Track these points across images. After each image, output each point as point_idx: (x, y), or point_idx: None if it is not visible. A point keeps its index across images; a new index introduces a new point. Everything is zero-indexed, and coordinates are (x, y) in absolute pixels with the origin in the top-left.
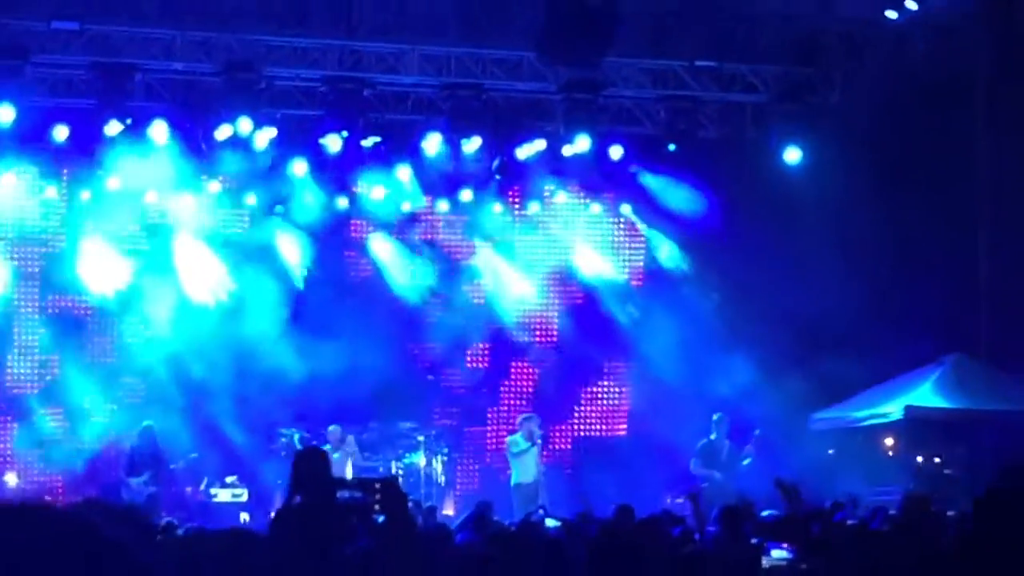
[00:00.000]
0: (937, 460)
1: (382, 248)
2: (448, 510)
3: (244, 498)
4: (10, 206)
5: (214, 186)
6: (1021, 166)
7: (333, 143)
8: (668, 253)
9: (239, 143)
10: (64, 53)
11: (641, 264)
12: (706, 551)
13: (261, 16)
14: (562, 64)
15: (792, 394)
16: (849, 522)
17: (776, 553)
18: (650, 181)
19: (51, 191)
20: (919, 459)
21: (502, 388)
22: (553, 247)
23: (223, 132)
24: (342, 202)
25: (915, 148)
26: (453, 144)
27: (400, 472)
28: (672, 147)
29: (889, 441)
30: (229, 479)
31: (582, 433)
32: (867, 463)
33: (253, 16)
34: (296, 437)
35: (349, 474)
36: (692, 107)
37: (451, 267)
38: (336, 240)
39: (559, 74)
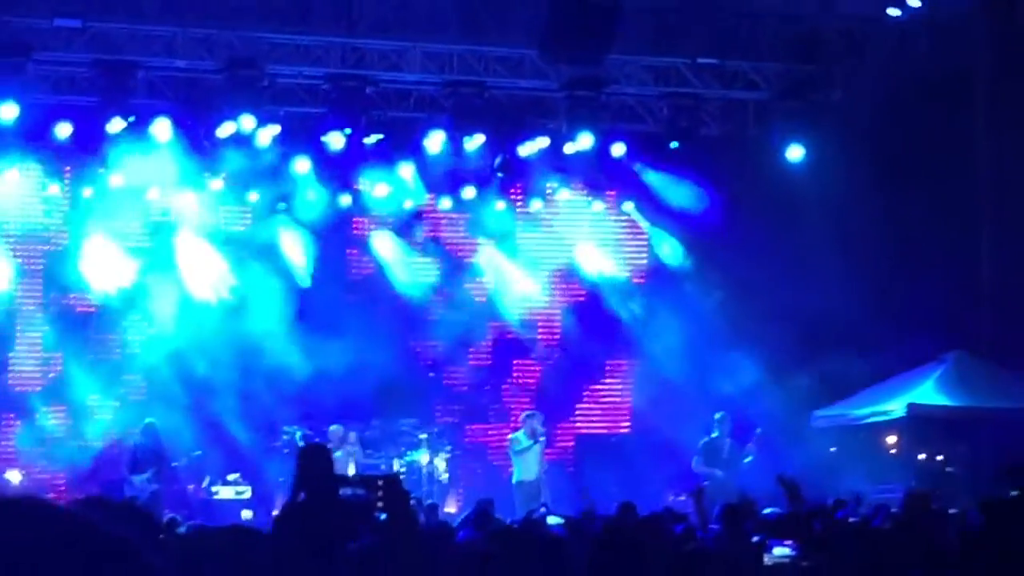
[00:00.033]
0: (939, 458)
1: (384, 246)
2: (450, 508)
3: (247, 495)
4: (13, 203)
5: (216, 184)
6: (1022, 163)
7: (336, 141)
8: (670, 250)
9: (241, 140)
10: (66, 50)
11: (643, 261)
12: (708, 549)
13: (263, 13)
14: (564, 62)
15: (794, 391)
16: (851, 520)
17: (778, 550)
18: (652, 178)
19: (54, 188)
20: (921, 457)
21: (504, 386)
22: (555, 245)
23: (225, 129)
24: (345, 200)
25: (916, 145)
26: (455, 141)
27: (402, 470)
28: (674, 144)
29: (891, 439)
30: (231, 477)
31: (584, 431)
32: (869, 461)
33: (255, 13)
34: (298, 435)
35: (351, 473)
36: (694, 104)
37: (453, 265)
38: (338, 238)
39: (561, 72)
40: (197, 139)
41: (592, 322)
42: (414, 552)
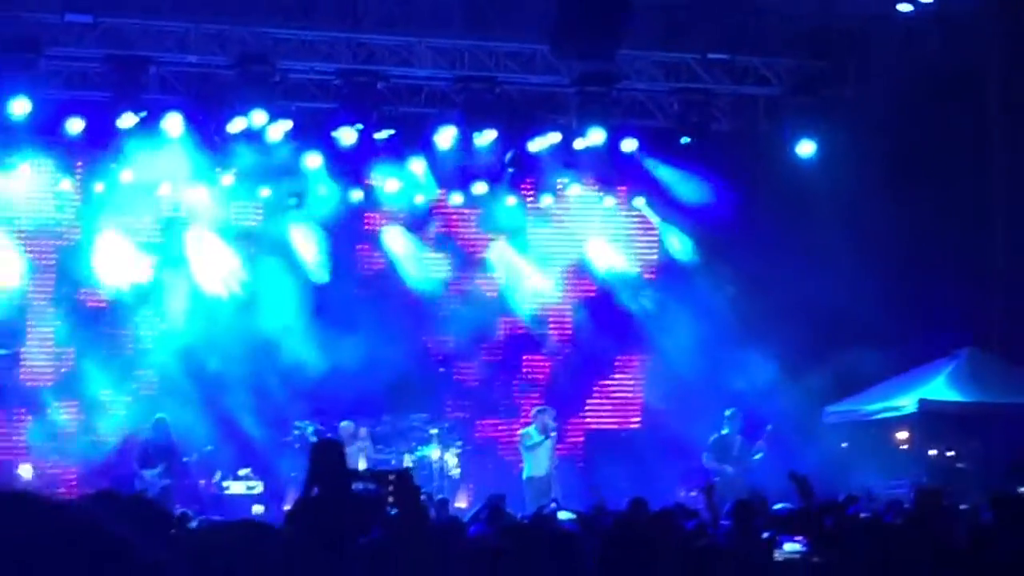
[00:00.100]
0: (950, 454)
1: (395, 241)
2: (461, 503)
3: (258, 490)
4: (25, 199)
5: (228, 179)
6: None
7: (347, 136)
8: (681, 246)
9: (253, 136)
10: (78, 46)
11: (654, 257)
12: (719, 545)
13: (274, 9)
14: (575, 58)
15: (806, 387)
16: (862, 515)
17: (789, 546)
18: (663, 174)
19: (66, 183)
20: (932, 453)
21: (515, 381)
22: (566, 240)
23: (237, 125)
24: (356, 195)
25: (928, 141)
26: (466, 137)
27: (413, 465)
28: (685, 140)
29: (902, 434)
30: (242, 472)
31: (595, 426)
32: (880, 457)
33: (266, 9)
34: (310, 430)
35: (364, 462)
36: (705, 100)
37: (464, 260)
38: (350, 233)
39: (572, 67)
40: (208, 135)
41: (603, 318)
42: (425, 547)
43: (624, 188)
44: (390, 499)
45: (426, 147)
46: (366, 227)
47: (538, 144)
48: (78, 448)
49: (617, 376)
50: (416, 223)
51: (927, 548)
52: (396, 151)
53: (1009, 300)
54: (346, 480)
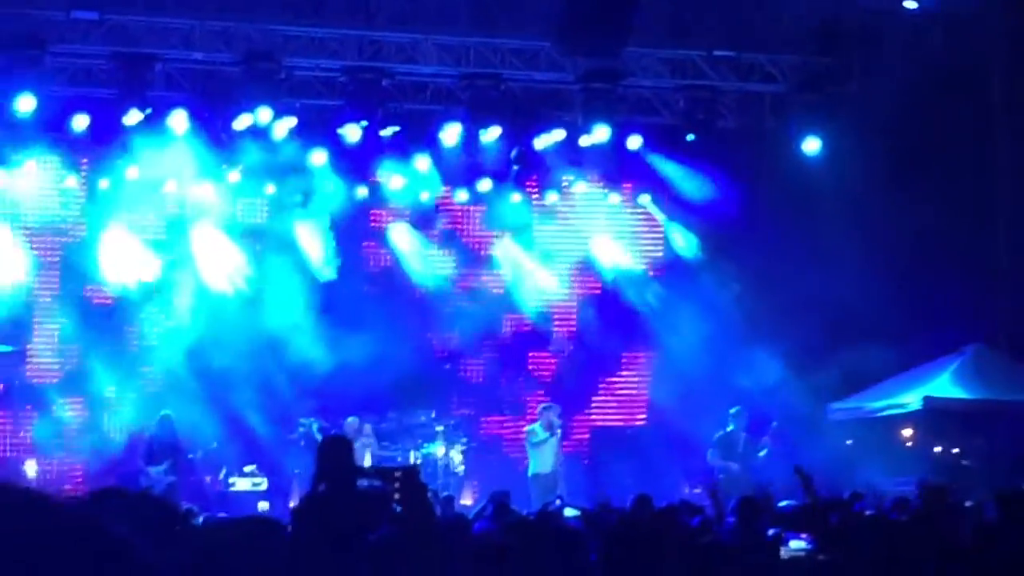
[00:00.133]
0: (955, 451)
1: (401, 238)
2: (466, 500)
3: (263, 487)
4: (30, 195)
5: (234, 176)
6: None
7: (352, 133)
8: (686, 243)
9: (259, 133)
10: (83, 43)
11: (659, 254)
12: (724, 542)
13: (280, 6)
14: (581, 55)
15: (811, 384)
16: (867, 512)
17: (794, 544)
18: (669, 171)
19: (71, 180)
20: (937, 450)
21: (520, 378)
22: (572, 237)
23: (243, 122)
24: (361, 192)
25: (934, 138)
26: (472, 134)
27: (418, 462)
28: (691, 137)
29: (907, 432)
30: (248, 468)
31: (601, 423)
32: (885, 454)
33: (272, 6)
34: (315, 427)
35: (368, 463)
36: (710, 97)
37: (470, 257)
38: (355, 230)
39: (577, 64)
40: (214, 131)
41: (608, 314)
42: (431, 544)
43: (629, 185)
44: (396, 496)
45: (431, 144)
46: (372, 224)
47: (543, 141)
48: (84, 445)
49: (622, 373)
50: (422, 220)
51: (933, 545)
52: (401, 148)
53: (1014, 297)
54: (353, 477)
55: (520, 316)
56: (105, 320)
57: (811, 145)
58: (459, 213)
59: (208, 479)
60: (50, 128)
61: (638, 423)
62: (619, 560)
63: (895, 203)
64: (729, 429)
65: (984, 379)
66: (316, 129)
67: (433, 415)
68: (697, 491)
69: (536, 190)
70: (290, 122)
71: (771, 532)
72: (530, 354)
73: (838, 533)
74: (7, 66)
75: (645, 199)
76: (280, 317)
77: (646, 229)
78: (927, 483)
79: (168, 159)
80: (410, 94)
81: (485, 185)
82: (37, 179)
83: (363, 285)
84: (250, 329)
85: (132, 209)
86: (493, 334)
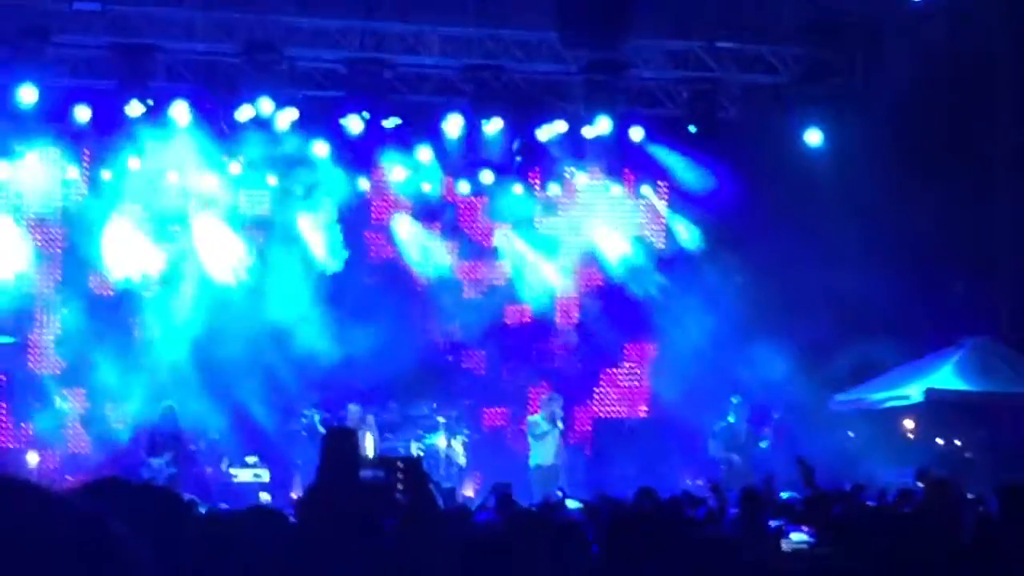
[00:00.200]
0: (957, 443)
1: (403, 229)
2: (468, 491)
3: (265, 478)
4: (32, 186)
5: (235, 167)
6: None
7: (354, 124)
8: (688, 234)
9: (261, 124)
10: (85, 34)
11: (661, 245)
12: (726, 534)
13: None
14: (583, 46)
15: (813, 376)
16: (869, 503)
17: (795, 536)
18: (671, 162)
19: (73, 171)
20: (939, 442)
21: (522, 369)
22: (574, 228)
23: (244, 113)
24: (363, 183)
25: (937, 130)
26: (474, 125)
27: (420, 453)
28: (693, 129)
29: (909, 424)
30: (250, 459)
31: (603, 415)
32: (887, 446)
33: None
34: (317, 418)
35: (370, 450)
36: (713, 88)
37: (472, 248)
38: (357, 221)
39: (580, 56)
40: (216, 123)
41: (610, 306)
42: (433, 534)
43: (631, 177)
44: (399, 486)
45: (433, 135)
46: (374, 216)
47: (546, 133)
48: (86, 437)
49: (625, 365)
50: (424, 211)
51: (936, 538)
52: (403, 139)
53: (1016, 289)
54: (356, 468)
55: (522, 307)
56: (107, 311)
57: (813, 137)
58: (461, 205)
59: (210, 470)
60: (52, 119)
61: (640, 415)
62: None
63: (898, 195)
64: (731, 420)
65: (986, 371)
66: (318, 120)
67: (435, 406)
68: (699, 483)
69: (538, 181)
70: (292, 113)
71: (773, 525)
72: (532, 346)
73: (840, 525)
74: (9, 57)
75: (647, 190)
76: (282, 308)
77: (648, 221)
78: (929, 475)
79: (170, 150)
80: (412, 85)
81: (487, 177)
82: (39, 170)
83: (365, 276)
84: (252, 320)
85: (134, 200)
86: (495, 325)
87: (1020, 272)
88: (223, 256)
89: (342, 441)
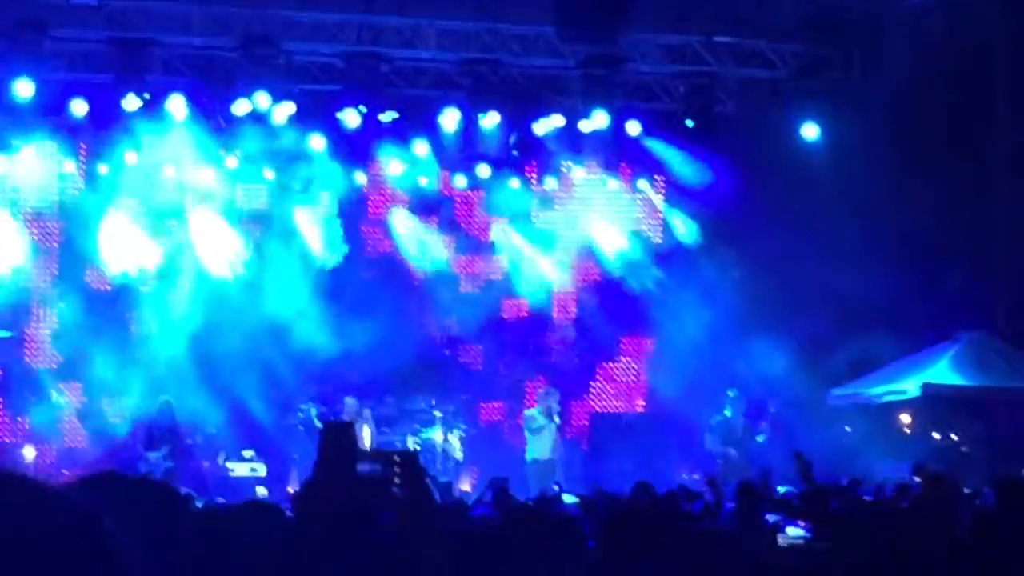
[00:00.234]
0: (954, 437)
1: (400, 223)
2: (464, 486)
3: (261, 472)
4: (29, 180)
5: (232, 161)
6: None
7: (351, 118)
8: (685, 228)
9: (257, 118)
10: (82, 27)
11: (658, 239)
12: (722, 529)
13: None
14: (580, 41)
15: (810, 371)
16: (866, 498)
17: (791, 531)
18: (668, 156)
19: (69, 165)
20: (936, 436)
21: (519, 364)
22: (571, 223)
23: (241, 107)
24: (360, 177)
25: (935, 125)
26: (471, 119)
27: (416, 447)
28: (690, 123)
29: (906, 418)
30: (247, 453)
31: (600, 409)
32: (884, 440)
33: None
34: (313, 412)
35: (367, 442)
36: (710, 83)
37: (468, 242)
38: (354, 215)
39: (577, 50)
40: (213, 116)
41: (607, 300)
42: (430, 529)
43: (628, 171)
44: (396, 480)
45: (430, 129)
46: (371, 210)
47: (543, 127)
48: (83, 431)
49: (622, 359)
50: (421, 205)
51: (932, 532)
52: (401, 133)
53: (1012, 285)
54: (354, 463)
55: (518, 301)
56: (104, 306)
57: (810, 132)
58: (458, 198)
59: (206, 464)
60: (49, 113)
61: (637, 409)
62: (617, 547)
63: (895, 190)
64: (727, 414)
65: (982, 366)
66: (315, 114)
67: (433, 402)
68: (695, 477)
69: (535, 176)
70: (289, 107)
71: (770, 519)
72: (529, 340)
73: (837, 520)
74: (6, 51)
75: (644, 185)
76: (279, 303)
77: (645, 215)
78: (926, 470)
79: (167, 144)
80: (409, 79)
81: (484, 171)
82: (36, 164)
83: (362, 270)
84: (249, 315)
85: (131, 194)
86: (492, 320)
87: (1018, 267)
88: (220, 250)
89: (339, 435)
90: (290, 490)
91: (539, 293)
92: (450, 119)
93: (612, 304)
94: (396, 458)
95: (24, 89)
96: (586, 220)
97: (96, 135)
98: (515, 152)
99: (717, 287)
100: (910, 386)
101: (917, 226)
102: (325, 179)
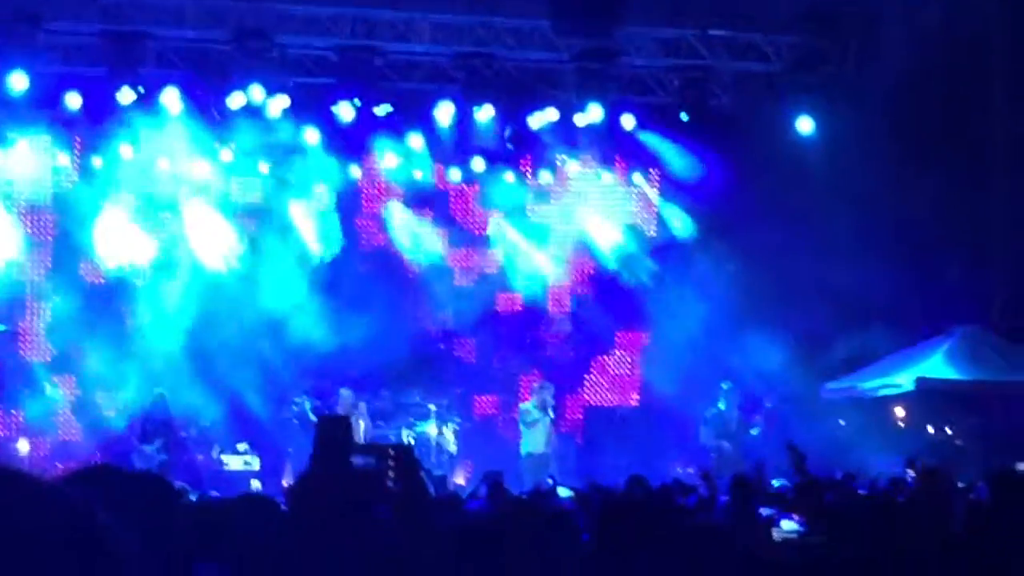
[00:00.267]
0: (948, 431)
1: (394, 217)
2: (459, 479)
3: (255, 466)
4: (23, 173)
5: (227, 154)
6: None
7: (345, 111)
8: (680, 222)
9: (252, 111)
10: (76, 20)
11: (653, 233)
12: (717, 523)
13: None
14: (575, 34)
15: (805, 365)
16: (860, 492)
17: (786, 524)
18: (663, 150)
19: (64, 158)
20: (930, 430)
21: (514, 358)
22: (565, 216)
23: (235, 100)
24: (355, 171)
25: (931, 118)
26: (465, 113)
27: (411, 441)
28: (685, 116)
29: (900, 412)
30: (241, 446)
31: (594, 403)
32: (878, 434)
33: None
34: (308, 405)
35: (362, 433)
36: (705, 76)
37: (463, 236)
38: (349, 209)
39: (572, 43)
40: (207, 110)
41: (602, 294)
42: (425, 522)
43: (623, 164)
44: (390, 473)
45: (425, 123)
46: (365, 203)
47: (537, 120)
48: (77, 424)
49: (616, 353)
50: (416, 199)
51: (926, 526)
52: (395, 127)
53: (1007, 278)
54: (348, 455)
55: (513, 295)
56: (99, 299)
57: (805, 125)
58: (452, 192)
59: (201, 457)
60: (43, 106)
61: (632, 403)
62: (612, 541)
63: (891, 183)
64: (721, 407)
65: (977, 360)
66: (309, 108)
67: (426, 394)
68: (690, 471)
69: (530, 169)
70: (283, 100)
71: (765, 513)
72: (524, 334)
73: (831, 514)
74: (0, 44)
75: (639, 178)
76: (274, 296)
77: (640, 208)
78: (919, 463)
79: (161, 137)
80: (403, 73)
81: (479, 164)
82: (30, 157)
83: (356, 264)
84: (243, 308)
85: (126, 187)
86: (487, 313)
87: (1014, 260)
88: (215, 244)
89: (335, 429)
90: (284, 483)
91: (534, 287)
92: (444, 113)
93: (607, 298)
94: (391, 451)
95: (18, 82)
96: (581, 214)
97: (91, 128)
98: (510, 146)
99: (712, 281)
100: (904, 380)
101: (913, 219)
102: (320, 172)
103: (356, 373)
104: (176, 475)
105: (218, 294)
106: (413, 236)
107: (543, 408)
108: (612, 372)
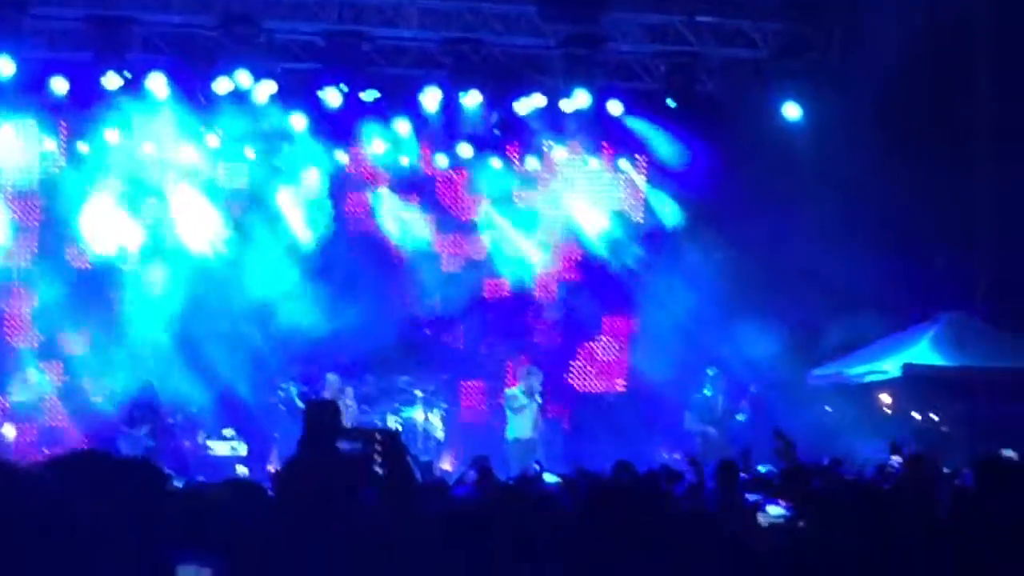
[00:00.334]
0: (934, 417)
1: (381, 203)
2: (445, 464)
3: (241, 451)
4: (9, 158)
5: (213, 139)
6: (1023, 122)
7: (332, 97)
8: (667, 208)
9: (238, 96)
10: (62, 5)
11: (640, 219)
12: (703, 508)
13: None
14: (563, 20)
15: (791, 351)
16: (847, 477)
17: (773, 510)
18: (650, 136)
19: (50, 144)
20: (916, 416)
21: (501, 343)
22: (553, 203)
23: (222, 85)
24: (341, 156)
25: (916, 104)
26: (452, 99)
27: (398, 426)
28: (672, 103)
29: (886, 398)
30: (227, 432)
31: (581, 389)
32: (865, 420)
33: None
34: (294, 391)
35: (349, 418)
36: (692, 62)
37: (450, 222)
38: (336, 194)
39: (559, 29)
40: (193, 95)
41: (588, 280)
42: (412, 508)
43: (610, 150)
44: (377, 458)
45: (412, 108)
46: (352, 189)
47: (524, 106)
48: (63, 410)
49: (604, 339)
50: (403, 184)
51: (912, 512)
52: (382, 112)
53: (992, 265)
54: (335, 440)
55: (500, 281)
56: (86, 284)
57: (792, 111)
58: (439, 178)
59: (187, 443)
60: (29, 91)
61: (619, 389)
62: (598, 526)
63: (877, 169)
64: (707, 392)
65: (963, 346)
66: (296, 93)
67: (413, 380)
68: (676, 456)
69: (517, 156)
70: (270, 86)
71: (751, 499)
72: (511, 320)
73: (818, 499)
74: None
75: (625, 164)
76: (261, 282)
77: (627, 195)
78: (902, 449)
79: (147, 122)
80: (390, 58)
81: (466, 150)
82: (16, 142)
83: (343, 250)
84: (230, 293)
85: (112, 172)
86: (474, 299)
87: (998, 245)
88: (201, 229)
89: (322, 413)
90: (271, 469)
91: (521, 273)
92: (432, 98)
93: (594, 284)
94: (377, 436)
95: (4, 67)
96: (568, 200)
97: (77, 113)
98: (497, 132)
99: (699, 267)
100: (890, 366)
101: (899, 205)
102: (307, 158)
103: (343, 359)
104: (163, 461)
105: (205, 280)
106: (400, 222)
107: (530, 394)
108: (599, 358)
